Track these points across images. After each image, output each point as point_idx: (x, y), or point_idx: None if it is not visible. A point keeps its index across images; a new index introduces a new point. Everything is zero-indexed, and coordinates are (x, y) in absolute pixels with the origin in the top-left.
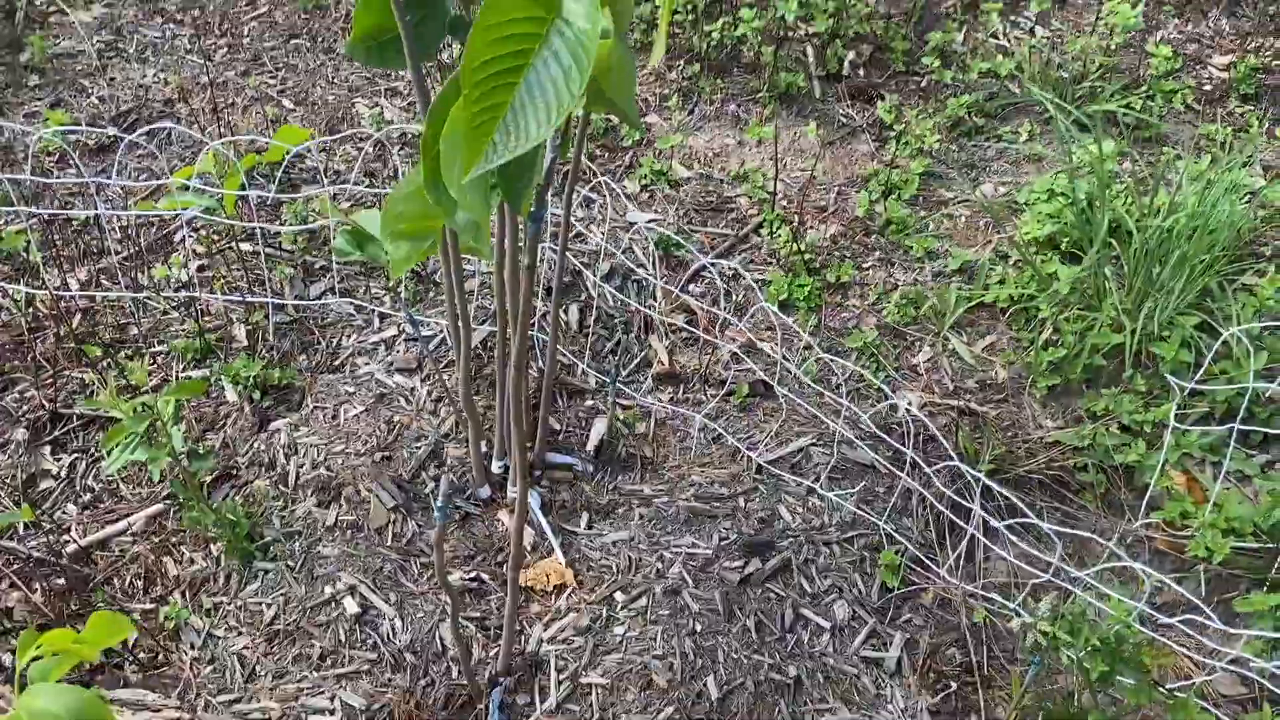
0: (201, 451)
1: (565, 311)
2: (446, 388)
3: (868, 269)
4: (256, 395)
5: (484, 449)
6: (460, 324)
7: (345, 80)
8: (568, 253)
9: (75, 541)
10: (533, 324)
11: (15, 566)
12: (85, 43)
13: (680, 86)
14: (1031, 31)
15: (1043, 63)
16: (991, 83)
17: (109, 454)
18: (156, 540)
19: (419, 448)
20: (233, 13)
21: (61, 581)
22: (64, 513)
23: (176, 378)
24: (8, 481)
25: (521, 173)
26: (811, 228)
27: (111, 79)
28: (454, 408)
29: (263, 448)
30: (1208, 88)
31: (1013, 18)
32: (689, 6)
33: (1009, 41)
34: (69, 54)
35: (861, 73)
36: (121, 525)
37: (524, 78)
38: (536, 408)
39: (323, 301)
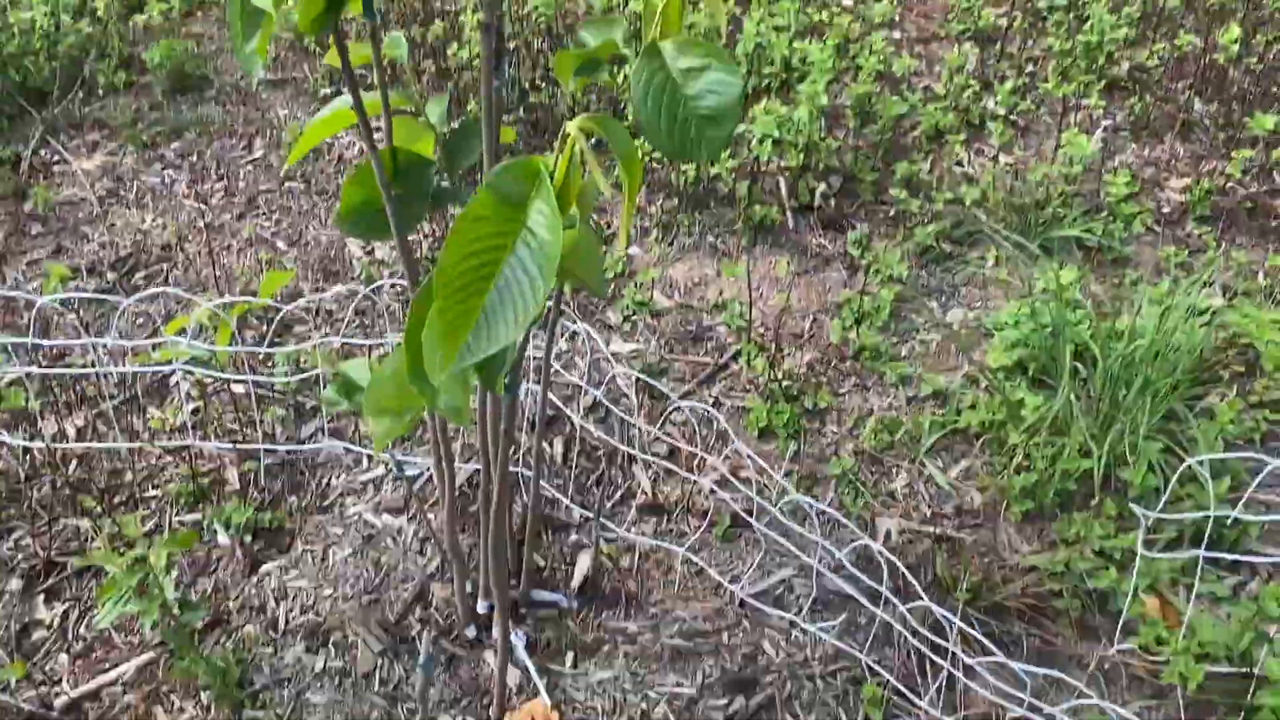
0: (194, 601)
1: (550, 445)
2: (432, 528)
3: (844, 394)
4: (248, 539)
5: (469, 588)
6: (445, 465)
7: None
8: (549, 389)
9: (66, 694)
10: (516, 458)
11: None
12: (87, 190)
13: (660, 220)
14: (995, 159)
15: (1006, 190)
16: (958, 210)
17: (102, 606)
18: (148, 689)
19: (406, 589)
20: (229, 158)
21: None
22: (56, 664)
23: (170, 523)
24: (1, 632)
25: (495, 363)
26: (789, 354)
27: (111, 225)
28: (439, 547)
29: (253, 591)
30: (1166, 209)
31: (977, 145)
32: None
33: (974, 169)
34: (70, 201)
35: (833, 203)
36: (113, 675)
37: (494, 285)
38: (522, 544)
39: (314, 444)
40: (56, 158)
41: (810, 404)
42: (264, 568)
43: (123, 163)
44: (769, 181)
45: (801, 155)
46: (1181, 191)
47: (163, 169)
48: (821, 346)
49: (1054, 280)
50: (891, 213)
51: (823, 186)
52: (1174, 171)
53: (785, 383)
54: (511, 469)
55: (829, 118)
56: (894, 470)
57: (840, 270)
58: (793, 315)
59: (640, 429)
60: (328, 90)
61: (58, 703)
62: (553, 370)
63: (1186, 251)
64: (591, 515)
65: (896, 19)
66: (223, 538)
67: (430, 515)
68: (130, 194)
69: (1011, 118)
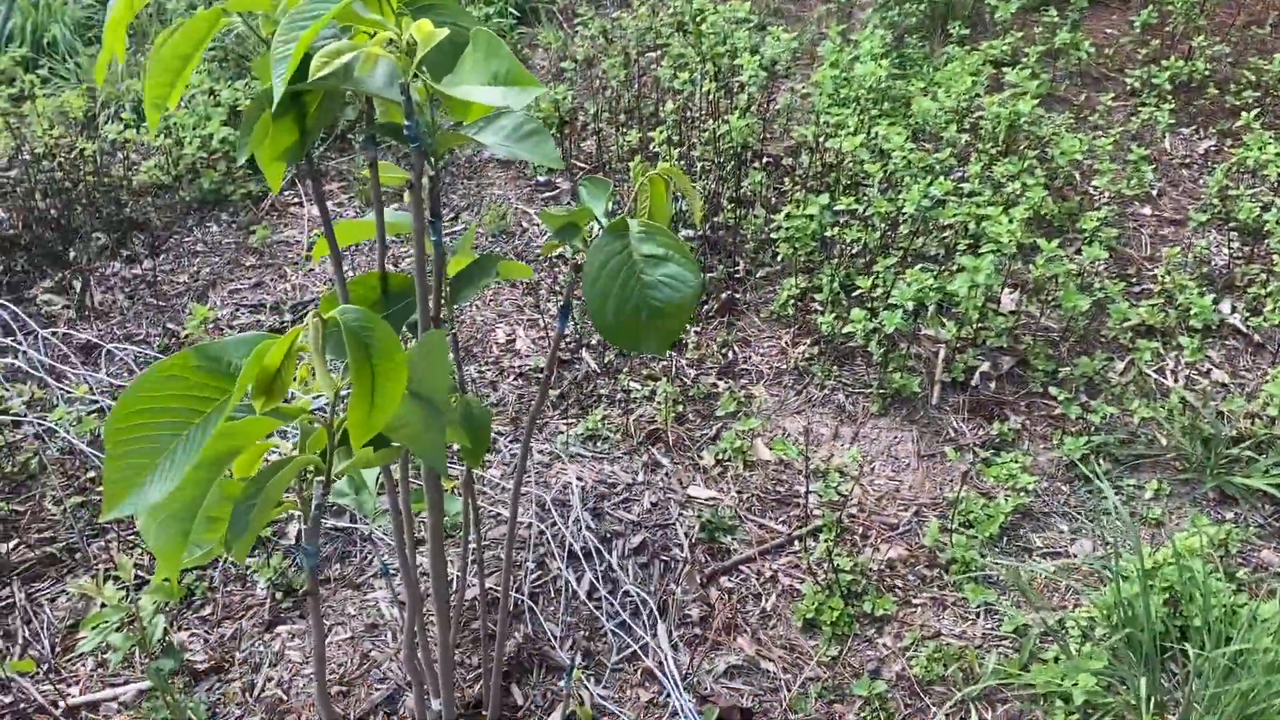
0: (173, 649)
1: (579, 579)
2: (427, 635)
3: (915, 606)
4: (279, 595)
5: (437, 707)
6: (410, 585)
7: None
8: (605, 516)
9: (73, 697)
10: (519, 586)
11: (19, 706)
12: (302, 235)
13: (796, 364)
14: (1206, 374)
15: (1193, 414)
16: (1132, 424)
17: (89, 630)
18: (135, 715)
19: (377, 691)
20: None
21: None
22: (82, 665)
23: (224, 561)
24: (55, 624)
25: (235, 531)
26: (873, 546)
27: (310, 270)
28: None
29: (260, 648)
30: None
31: (1181, 354)
32: (833, 288)
33: (1173, 381)
34: (285, 242)
35: (992, 387)
36: (114, 693)
37: (170, 449)
38: (507, 675)
39: (367, 523)
40: (297, 200)
41: (870, 607)
42: (279, 628)
43: (345, 214)
44: (927, 348)
45: (960, 329)
46: None
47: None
48: (913, 545)
49: (1198, 535)
50: (1056, 411)
51: (985, 366)
52: None
53: (852, 578)
54: (515, 595)
55: (1023, 289)
56: (930, 710)
57: (970, 463)
58: (897, 502)
59: (678, 587)
60: (542, 178)
61: (62, 704)
62: (622, 498)
63: None
64: (566, 667)
65: (1155, 194)
66: (260, 589)
67: (429, 624)
68: None
69: (1244, 330)
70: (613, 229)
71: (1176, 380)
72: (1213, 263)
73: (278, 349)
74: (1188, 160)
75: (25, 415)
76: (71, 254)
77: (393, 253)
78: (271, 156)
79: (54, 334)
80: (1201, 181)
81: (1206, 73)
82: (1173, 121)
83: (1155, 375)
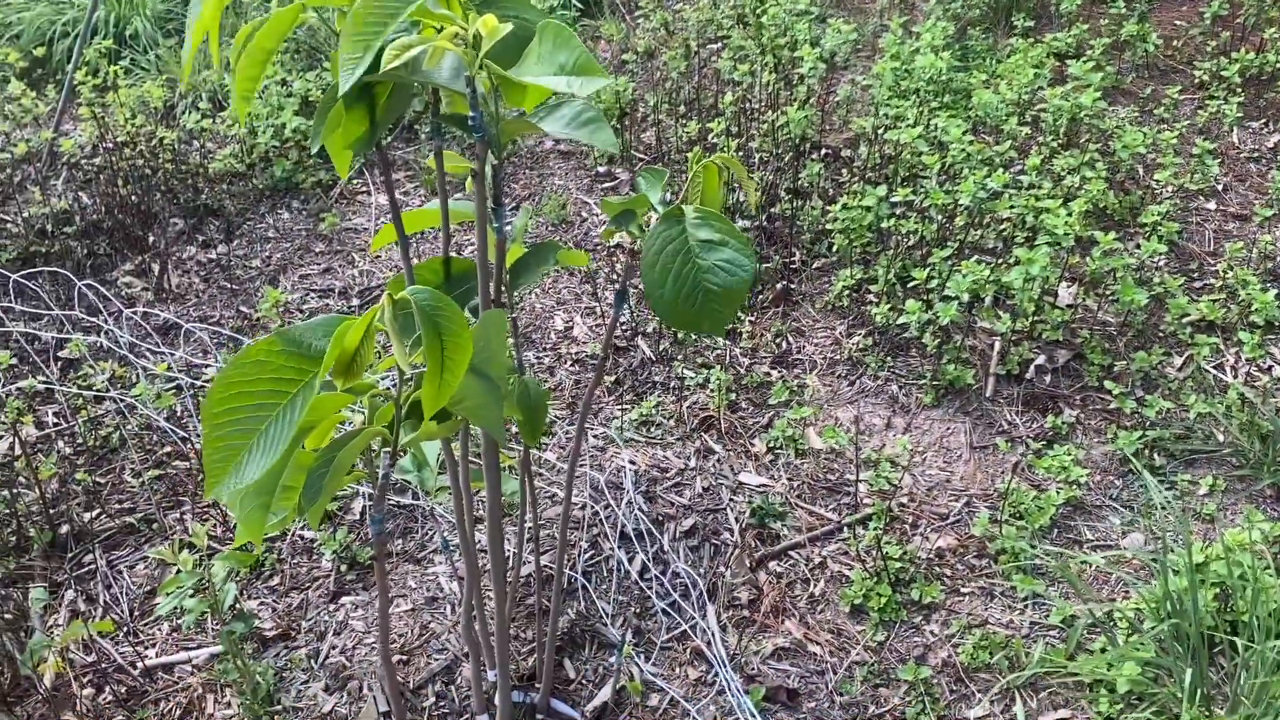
0: (246, 613)
1: (630, 560)
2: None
3: (963, 595)
4: (343, 568)
5: (493, 678)
6: (469, 560)
7: None
8: (658, 500)
9: (151, 658)
10: (573, 563)
11: (101, 666)
12: (370, 223)
13: (850, 354)
14: (1247, 377)
15: (1251, 410)
16: (1188, 420)
17: (164, 595)
18: (208, 677)
19: (436, 660)
20: None
21: (123, 691)
22: (158, 628)
23: (291, 532)
24: (135, 589)
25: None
26: (922, 535)
27: (376, 257)
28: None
29: (325, 618)
30: None
31: (1240, 352)
32: (889, 280)
33: (1232, 377)
34: (353, 230)
35: (1048, 380)
36: (188, 655)
37: (262, 429)
38: (559, 650)
39: (431, 500)
40: (364, 188)
41: (917, 595)
42: (343, 599)
43: (410, 203)
44: (983, 339)
45: (1013, 322)
46: None
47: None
48: (962, 535)
49: (1250, 530)
50: (1111, 405)
51: (1041, 359)
52: None
53: (900, 565)
54: (570, 573)
55: (1081, 282)
56: (975, 696)
57: (1022, 455)
58: (948, 492)
59: (727, 570)
60: (601, 168)
61: (140, 664)
62: (674, 482)
63: None
64: (617, 643)
65: (1220, 188)
66: (326, 561)
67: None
68: None
69: None
70: (669, 215)
71: (1236, 376)
72: (1277, 258)
73: (356, 330)
74: (1255, 154)
75: (108, 391)
76: (150, 238)
77: (455, 240)
78: (342, 146)
79: (134, 314)
80: (1269, 176)
81: (1278, 66)
82: (1240, 115)
83: (1214, 371)
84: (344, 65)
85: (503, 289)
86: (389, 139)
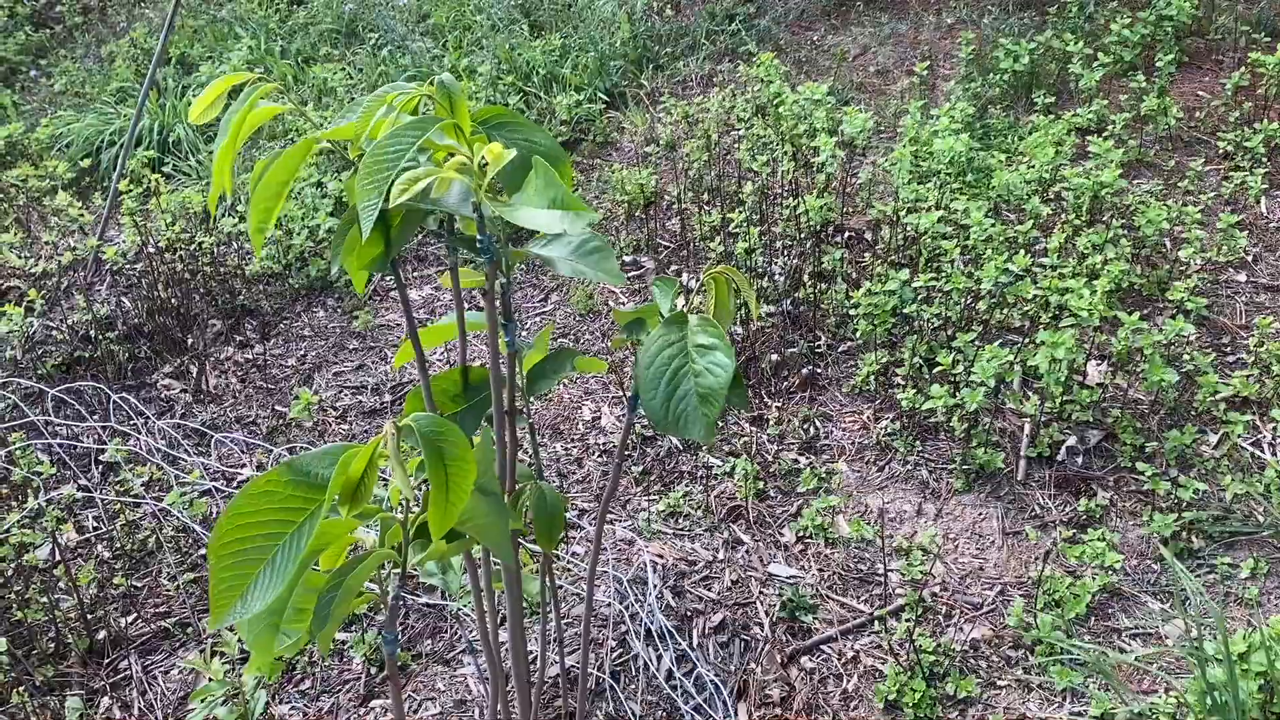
0: None
1: (658, 660)
2: (510, 711)
3: (999, 689)
4: (374, 670)
5: None
6: (492, 663)
7: None
8: (686, 594)
9: None
10: (599, 664)
11: None
12: (402, 318)
13: (879, 439)
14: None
15: None
16: (1225, 500)
17: (198, 703)
18: None
19: None
20: (524, 306)
21: None
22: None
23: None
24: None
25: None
26: (956, 626)
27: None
28: None
29: None
30: None
31: (1277, 429)
32: (914, 363)
33: (1270, 455)
34: (387, 326)
35: (1080, 461)
36: None
37: (269, 559)
38: None
39: (455, 601)
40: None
41: (952, 689)
42: (374, 702)
43: (442, 298)
44: (1013, 422)
45: (1041, 404)
46: None
47: (469, 308)
48: (997, 625)
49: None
50: (1145, 486)
51: (1072, 440)
52: None
53: (934, 658)
54: (597, 673)
55: (1110, 360)
56: None
57: (1057, 540)
58: (981, 580)
59: (758, 666)
60: (627, 258)
61: None
62: (703, 575)
63: None
64: None
65: (1250, 259)
66: (356, 664)
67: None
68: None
69: None
70: (673, 319)
71: (1274, 454)
72: None
73: (360, 459)
74: None
75: (144, 496)
76: (189, 340)
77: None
78: (358, 266)
79: (169, 422)
80: None
81: None
82: (1266, 185)
83: (1250, 448)
84: (362, 212)
85: (516, 396)
86: (421, 234)
